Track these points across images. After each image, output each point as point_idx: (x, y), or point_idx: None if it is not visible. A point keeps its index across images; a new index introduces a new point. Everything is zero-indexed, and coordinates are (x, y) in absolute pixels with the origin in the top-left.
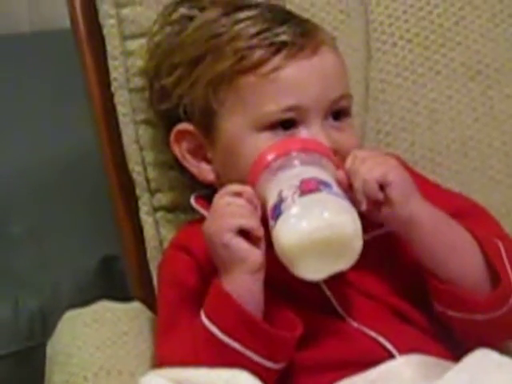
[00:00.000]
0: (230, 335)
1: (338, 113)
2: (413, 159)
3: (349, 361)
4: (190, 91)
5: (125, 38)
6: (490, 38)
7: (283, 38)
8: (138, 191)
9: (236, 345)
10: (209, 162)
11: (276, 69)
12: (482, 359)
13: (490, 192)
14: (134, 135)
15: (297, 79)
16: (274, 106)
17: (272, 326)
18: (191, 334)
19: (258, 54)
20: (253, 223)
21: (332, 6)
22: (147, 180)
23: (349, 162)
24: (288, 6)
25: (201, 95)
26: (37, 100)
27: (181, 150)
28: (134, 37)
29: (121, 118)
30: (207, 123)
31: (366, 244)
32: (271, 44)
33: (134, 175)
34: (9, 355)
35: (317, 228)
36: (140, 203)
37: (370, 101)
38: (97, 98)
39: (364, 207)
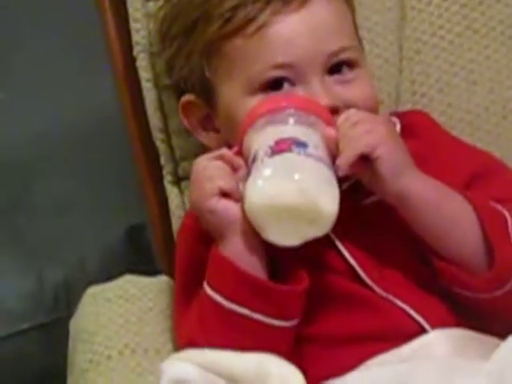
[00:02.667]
0: (233, 300)
1: (341, 65)
2: (450, 122)
3: (377, 333)
4: (187, 62)
5: None
6: None
7: None
8: (162, 160)
9: (242, 309)
10: (217, 131)
11: (261, 27)
12: None
13: None
14: (157, 101)
15: (284, 35)
16: (261, 65)
17: (277, 283)
18: (197, 306)
19: (243, 13)
20: (231, 185)
21: None
22: (171, 148)
23: (339, 121)
24: None
25: (196, 65)
26: (60, 65)
27: (190, 121)
28: None
29: (143, 84)
30: (207, 93)
31: (373, 208)
32: (256, 1)
33: (158, 143)
34: (34, 327)
35: (281, 192)
36: (164, 172)
37: (404, 61)
38: (119, 62)
39: (341, 173)
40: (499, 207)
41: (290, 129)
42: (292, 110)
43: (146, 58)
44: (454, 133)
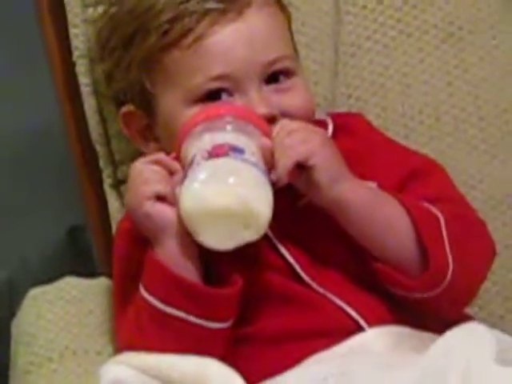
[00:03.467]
0: (168, 303)
1: (278, 74)
2: (385, 125)
3: (314, 331)
4: (126, 74)
5: (86, 5)
6: None
7: (205, 4)
8: (101, 163)
9: (177, 312)
10: (157, 140)
11: (198, 38)
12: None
13: (465, 158)
14: (96, 106)
15: (220, 46)
16: (199, 77)
17: (211, 286)
18: (135, 309)
19: (180, 25)
20: (166, 188)
21: None
22: (111, 152)
23: (275, 131)
24: None
25: (135, 77)
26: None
27: (130, 131)
28: (95, 4)
29: (82, 88)
30: (146, 104)
31: (311, 208)
32: (193, 12)
33: (98, 147)
34: None
35: (216, 195)
36: (104, 176)
37: (339, 65)
38: (58, 67)
39: (281, 183)
40: (432, 209)
41: (227, 135)
42: (229, 118)
43: (86, 63)
44: (389, 135)
